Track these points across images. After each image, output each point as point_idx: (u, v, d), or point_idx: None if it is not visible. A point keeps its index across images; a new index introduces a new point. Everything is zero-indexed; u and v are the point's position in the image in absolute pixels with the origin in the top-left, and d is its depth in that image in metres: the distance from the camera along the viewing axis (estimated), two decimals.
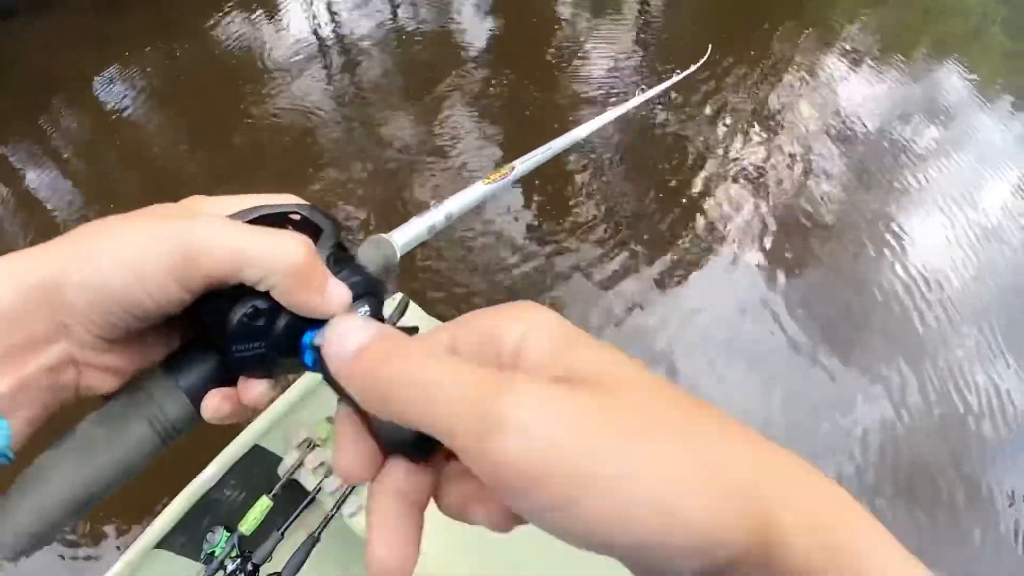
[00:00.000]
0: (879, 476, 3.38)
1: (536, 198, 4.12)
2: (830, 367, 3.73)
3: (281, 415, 1.80)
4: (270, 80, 4.58)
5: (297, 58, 4.75)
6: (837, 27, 7.39)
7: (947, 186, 5.62)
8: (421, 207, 3.62)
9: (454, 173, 4.07)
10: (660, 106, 5.02)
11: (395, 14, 5.35)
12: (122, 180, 4.15)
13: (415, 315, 2.02)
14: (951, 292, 4.58)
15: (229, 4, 5.22)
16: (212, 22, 5.07)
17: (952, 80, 7.44)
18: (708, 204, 4.37)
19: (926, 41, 8.03)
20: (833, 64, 6.60)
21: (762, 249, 4.21)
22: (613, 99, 5.00)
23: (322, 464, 1.79)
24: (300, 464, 1.79)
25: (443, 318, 2.08)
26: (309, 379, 1.85)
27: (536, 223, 3.95)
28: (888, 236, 4.77)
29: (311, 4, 5.35)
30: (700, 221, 4.25)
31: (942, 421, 3.74)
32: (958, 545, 3.31)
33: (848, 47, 7.05)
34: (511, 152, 4.30)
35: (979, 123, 6.95)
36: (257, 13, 5.22)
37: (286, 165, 4.01)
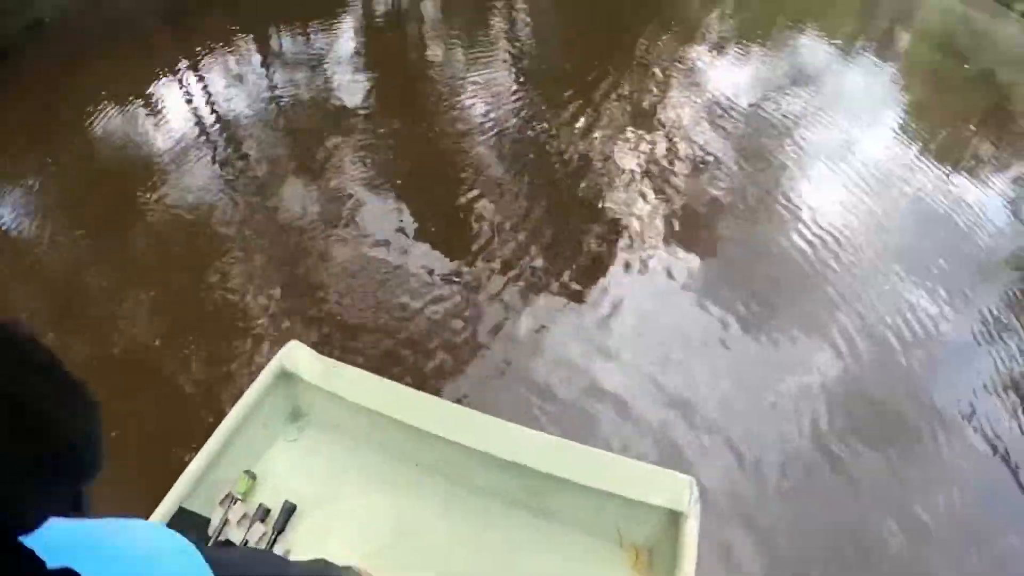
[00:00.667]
0: (840, 423, 3.58)
1: (434, 230, 4.24)
2: (764, 336, 3.97)
3: (201, 473, 1.88)
4: (158, 173, 4.58)
5: (181, 146, 4.80)
6: (697, 20, 7.89)
7: (830, 145, 6.02)
8: (330, 280, 3.57)
9: (356, 235, 4.16)
10: (545, 123, 5.26)
11: (271, 86, 5.51)
12: (20, 301, 3.97)
13: (307, 358, 2.11)
14: (856, 239, 4.93)
15: (103, 100, 5.22)
16: (89, 122, 5.06)
17: (815, 47, 7.97)
18: (610, 211, 4.61)
19: (784, 17, 8.56)
20: (700, 55, 7.03)
21: (671, 243, 4.47)
22: (498, 126, 5.22)
23: (245, 516, 1.87)
24: (226, 521, 1.84)
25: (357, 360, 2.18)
26: (223, 434, 1.92)
27: (440, 256, 4.08)
28: (785, 203, 5.09)
29: (186, 88, 5.42)
30: (605, 228, 4.48)
31: (880, 357, 4.04)
32: (929, 462, 3.57)
33: (711, 36, 7.53)
34: (410, 204, 4.46)
35: (847, 81, 7.49)
36: (133, 105, 5.25)
37: (190, 261, 3.97)
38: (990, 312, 4.68)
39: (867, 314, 4.29)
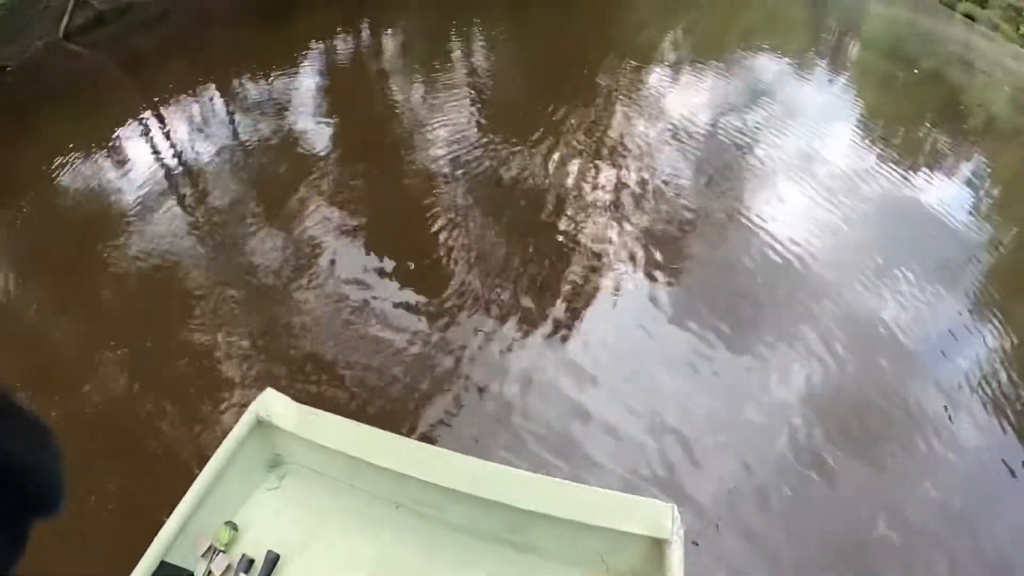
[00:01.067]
0: (830, 428, 3.64)
1: (408, 269, 4.25)
2: (745, 351, 4.02)
3: (181, 526, 1.87)
4: (125, 224, 4.55)
5: (147, 196, 4.78)
6: (652, 46, 8.07)
7: (791, 157, 6.17)
8: (306, 325, 3.48)
9: (329, 278, 4.14)
10: (511, 158, 5.31)
11: (235, 132, 5.54)
12: None
13: (282, 406, 2.11)
14: (826, 246, 5.03)
15: (67, 150, 5.19)
16: (53, 172, 5.02)
17: (768, 64, 8.19)
18: (581, 241, 4.66)
19: (734, 37, 8.81)
20: (658, 80, 7.21)
21: (646, 267, 4.53)
22: (464, 164, 5.27)
23: (228, 567, 1.86)
24: (209, 573, 1.82)
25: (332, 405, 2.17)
26: (201, 485, 1.90)
27: (416, 295, 4.07)
28: (754, 217, 5.19)
29: (149, 137, 5.41)
30: (578, 258, 4.52)
31: (862, 358, 4.13)
32: (924, 453, 3.65)
33: (667, 61, 7.70)
34: (382, 246, 4.45)
35: (802, 93, 7.70)
36: (97, 155, 5.23)
37: (160, 312, 3.91)
38: (966, 305, 4.83)
39: (845, 318, 4.40)
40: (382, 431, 2.15)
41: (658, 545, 1.92)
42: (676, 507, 1.95)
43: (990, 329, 4.63)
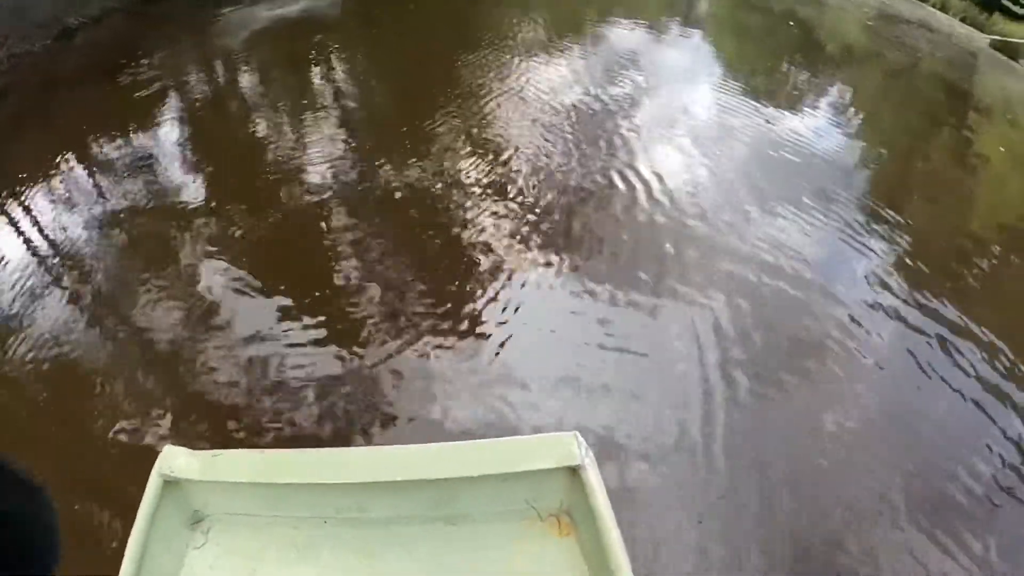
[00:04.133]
0: (748, 365, 4.04)
1: (308, 307, 4.30)
2: (653, 310, 4.36)
3: None
4: (6, 328, 4.31)
5: (21, 289, 4.59)
6: (512, 35, 8.27)
7: (662, 116, 6.56)
8: (218, 388, 3.48)
9: (231, 334, 4.15)
10: (389, 170, 5.44)
11: (104, 200, 5.40)
12: None
13: (183, 458, 2.15)
14: (710, 193, 5.44)
15: None
16: None
17: (627, 32, 8.55)
18: (476, 239, 4.84)
19: (592, 11, 9.14)
20: (523, 67, 7.42)
21: (542, 252, 4.75)
22: (344, 185, 5.39)
23: None
24: None
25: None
26: (129, 562, 1.95)
27: (321, 331, 4.15)
28: (636, 181, 5.53)
29: (12, 223, 5.20)
30: (475, 257, 4.69)
31: (766, 290, 4.59)
32: (839, 372, 4.12)
33: (530, 49, 7.92)
34: (278, 287, 4.50)
35: (664, 55, 8.12)
36: None
37: (64, 411, 3.78)
38: (852, 220, 5.36)
39: (742, 255, 4.82)
40: (284, 450, 2.19)
41: (574, 473, 2.01)
42: (579, 433, 2.04)
43: (878, 237, 5.17)
